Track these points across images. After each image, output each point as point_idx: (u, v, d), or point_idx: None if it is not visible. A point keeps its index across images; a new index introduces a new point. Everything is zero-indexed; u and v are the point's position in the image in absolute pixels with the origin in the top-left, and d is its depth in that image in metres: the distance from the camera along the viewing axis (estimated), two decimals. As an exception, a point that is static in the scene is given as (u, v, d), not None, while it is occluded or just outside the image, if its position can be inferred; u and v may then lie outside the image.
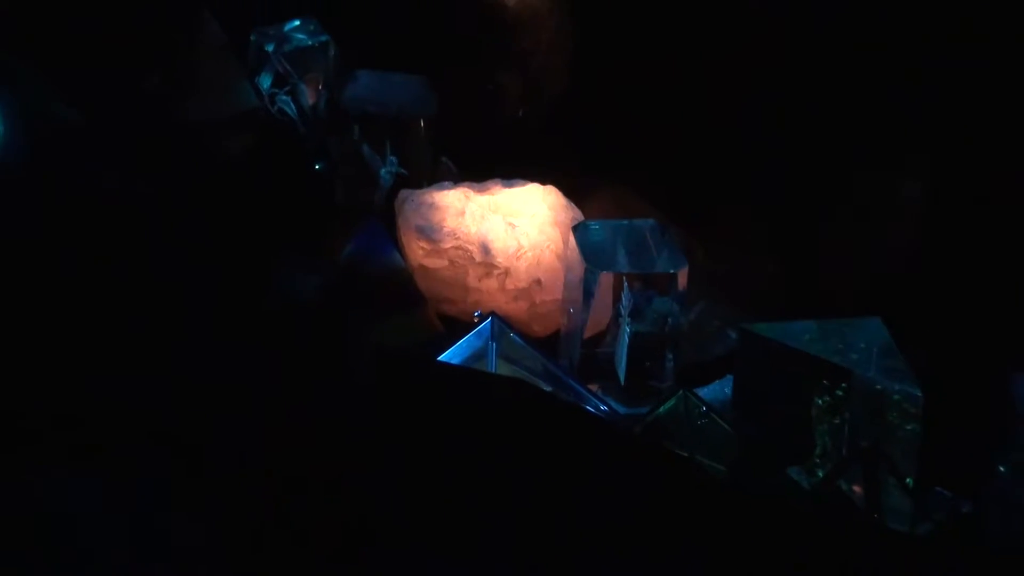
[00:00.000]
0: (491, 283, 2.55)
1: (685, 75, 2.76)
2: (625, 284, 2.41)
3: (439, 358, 2.36)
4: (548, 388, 2.34)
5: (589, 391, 2.39)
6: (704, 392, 2.36)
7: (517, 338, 2.43)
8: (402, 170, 2.72)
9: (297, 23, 2.78)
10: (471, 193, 2.61)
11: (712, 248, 2.60)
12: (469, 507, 1.91)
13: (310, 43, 2.76)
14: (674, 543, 1.92)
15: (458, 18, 2.79)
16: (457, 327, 2.47)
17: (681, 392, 2.32)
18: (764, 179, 2.63)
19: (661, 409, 2.30)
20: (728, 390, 2.37)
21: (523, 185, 2.64)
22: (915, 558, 1.99)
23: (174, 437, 1.98)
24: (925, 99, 2.53)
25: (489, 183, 2.65)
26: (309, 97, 2.74)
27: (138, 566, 1.74)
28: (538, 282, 2.54)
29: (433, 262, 2.56)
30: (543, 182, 2.66)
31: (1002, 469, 2.16)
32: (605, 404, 2.38)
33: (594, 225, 2.50)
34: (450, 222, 2.56)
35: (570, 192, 2.65)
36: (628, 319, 2.41)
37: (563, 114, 2.89)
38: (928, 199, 2.54)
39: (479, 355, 2.40)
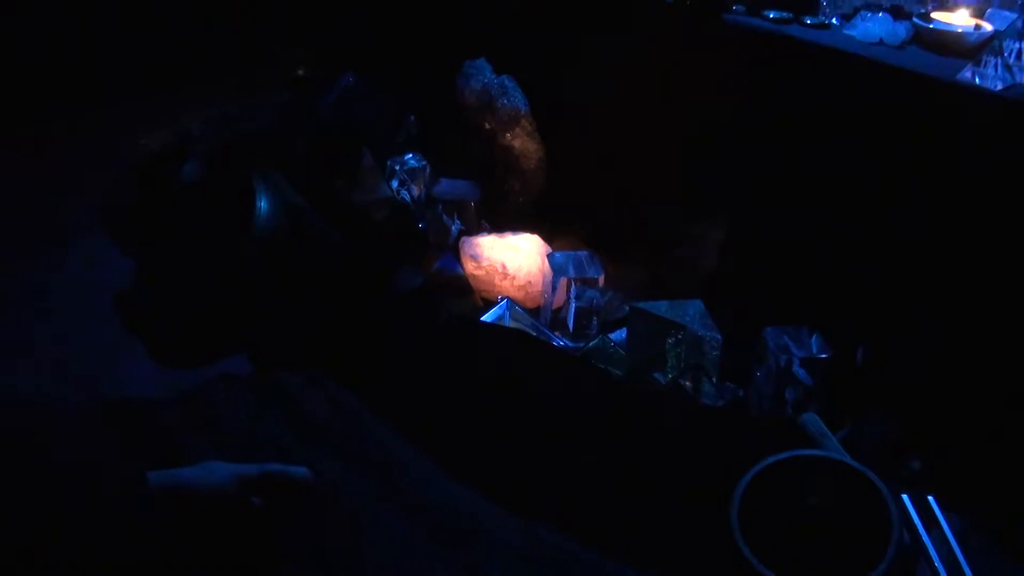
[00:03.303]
0: (506, 283, 2.55)
1: (608, 180, 2.70)
2: (572, 284, 2.43)
3: (481, 319, 2.39)
4: (534, 334, 2.33)
5: (554, 335, 2.42)
6: (613, 336, 2.36)
7: (519, 309, 2.46)
8: (462, 227, 2.71)
9: (410, 155, 2.76)
10: (496, 238, 2.62)
11: (617, 266, 2.55)
12: (496, 387, 1.98)
13: (416, 165, 2.74)
14: (593, 411, 1.98)
15: (492, 154, 2.76)
16: (490, 305, 2.48)
17: (600, 336, 2.35)
18: (643, 233, 2.61)
19: (590, 344, 2.32)
20: (624, 336, 2.33)
21: (522, 234, 2.64)
22: (715, 420, 2.06)
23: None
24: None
25: (506, 234, 2.64)
26: (416, 191, 2.72)
27: None
28: (530, 283, 2.55)
29: (477, 272, 2.57)
30: (532, 233, 2.66)
31: (758, 374, 2.19)
32: (562, 342, 2.39)
33: (557, 255, 2.50)
34: (485, 253, 2.57)
35: (546, 239, 2.64)
36: (574, 300, 2.43)
37: (541, 201, 2.84)
38: (729, 234, 2.47)
39: (501, 317, 2.42)
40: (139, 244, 2.40)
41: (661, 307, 2.21)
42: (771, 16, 2.35)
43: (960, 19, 2.29)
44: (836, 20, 2.35)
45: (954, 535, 1.72)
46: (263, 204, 2.28)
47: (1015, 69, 2.07)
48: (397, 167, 2.73)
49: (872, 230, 2.19)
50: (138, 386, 2.00)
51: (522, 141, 2.75)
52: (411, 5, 3.01)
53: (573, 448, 1.89)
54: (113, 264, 2.37)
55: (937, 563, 1.68)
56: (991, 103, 2.00)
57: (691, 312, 2.20)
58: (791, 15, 2.35)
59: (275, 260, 2.27)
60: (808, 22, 2.33)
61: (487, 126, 2.74)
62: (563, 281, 2.43)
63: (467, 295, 2.56)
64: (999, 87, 2.04)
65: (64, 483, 1.21)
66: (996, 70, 2.07)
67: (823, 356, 2.12)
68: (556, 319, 2.47)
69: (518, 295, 2.53)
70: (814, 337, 2.15)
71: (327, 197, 2.54)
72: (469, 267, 2.57)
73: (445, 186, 2.75)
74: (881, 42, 2.23)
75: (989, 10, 2.36)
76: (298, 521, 1.51)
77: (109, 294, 2.27)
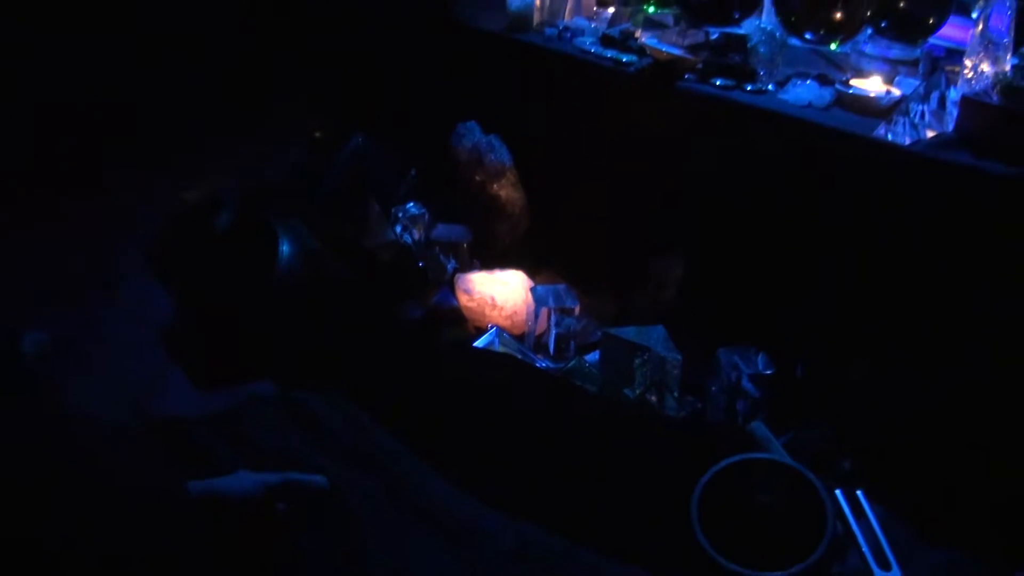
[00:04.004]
0: (495, 313, 2.54)
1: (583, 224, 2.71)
2: (552, 313, 2.43)
3: (474, 344, 2.39)
4: (520, 357, 2.35)
5: (537, 357, 2.41)
6: (588, 357, 2.36)
7: (507, 335, 2.45)
8: (456, 265, 2.70)
9: (412, 204, 2.76)
10: (486, 275, 2.60)
11: (591, 297, 2.53)
12: (488, 403, 1.97)
13: (416, 212, 2.73)
14: (568, 421, 1.97)
15: (481, 202, 2.75)
16: (482, 332, 2.46)
17: (577, 358, 2.35)
18: (613, 268, 2.61)
19: (569, 365, 2.32)
20: (598, 357, 2.33)
21: (508, 271, 2.63)
22: (677, 429, 2.06)
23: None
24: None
25: (494, 270, 2.62)
26: (416, 235, 2.71)
27: None
28: (516, 312, 2.54)
29: (470, 304, 2.56)
30: (516, 270, 2.64)
31: (713, 389, 2.20)
32: (544, 363, 2.39)
33: (539, 288, 2.50)
34: (477, 287, 2.55)
35: (528, 274, 2.62)
36: (554, 327, 2.43)
37: (524, 242, 2.82)
38: (686, 269, 2.47)
39: (491, 343, 2.41)
40: (180, 283, 2.42)
41: (629, 332, 2.22)
42: (718, 83, 2.37)
43: (874, 85, 2.33)
44: (772, 87, 2.37)
45: (879, 524, 1.75)
46: (285, 248, 2.30)
47: (920, 127, 2.11)
48: (400, 214, 2.73)
49: (807, 264, 2.22)
50: (180, 406, 2.00)
51: (507, 191, 2.76)
52: (413, 79, 3.02)
53: (556, 455, 1.89)
54: (159, 301, 2.39)
55: (864, 548, 1.71)
56: (901, 155, 2.04)
57: (655, 336, 2.20)
58: (734, 83, 2.37)
59: (295, 295, 2.28)
60: (749, 88, 2.35)
61: (477, 178, 2.75)
62: (544, 311, 2.44)
63: (461, 324, 2.55)
64: (907, 142, 2.08)
65: (115, 492, 1.21)
66: (904, 128, 2.11)
67: (768, 372, 2.13)
68: (539, 343, 2.47)
69: (505, 323, 2.52)
70: (760, 356, 2.16)
71: (340, 241, 2.56)
72: (463, 300, 2.57)
73: (441, 230, 2.75)
74: (810, 105, 2.26)
75: (897, 77, 2.40)
76: (315, 523, 1.51)
77: (155, 327, 2.29)
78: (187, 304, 2.35)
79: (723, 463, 1.77)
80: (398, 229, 2.71)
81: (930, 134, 2.08)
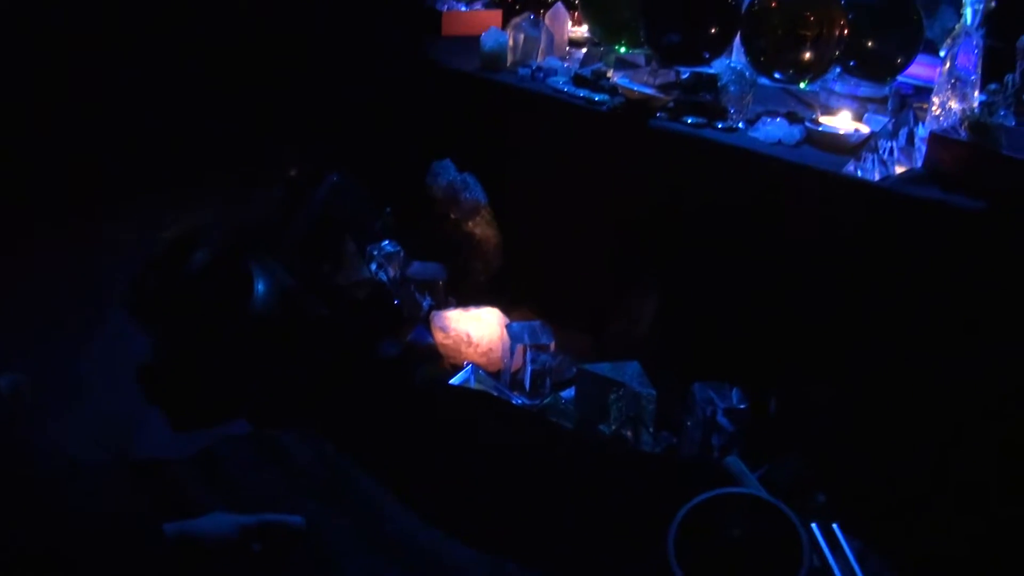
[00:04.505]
0: (471, 350, 2.54)
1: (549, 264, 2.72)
2: (528, 349, 2.43)
3: (450, 382, 2.38)
4: (496, 394, 2.34)
5: (513, 395, 2.41)
6: (563, 394, 2.36)
7: (482, 373, 2.45)
8: (432, 302, 2.71)
9: (387, 242, 2.76)
10: (462, 312, 2.61)
11: (566, 333, 2.53)
12: (463, 440, 1.97)
13: (392, 250, 2.74)
14: (546, 456, 1.97)
15: (456, 240, 2.78)
16: (458, 369, 2.46)
17: (553, 394, 2.36)
18: (587, 304, 2.62)
19: (545, 402, 2.33)
20: (573, 393, 2.34)
21: (484, 308, 2.63)
22: (652, 464, 2.07)
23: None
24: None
25: (470, 307, 2.63)
26: (392, 272, 2.71)
27: None
28: (491, 349, 2.55)
29: (446, 342, 2.56)
30: (492, 307, 2.65)
31: (688, 424, 2.19)
32: (520, 400, 2.39)
33: (514, 325, 2.50)
34: (452, 324, 2.55)
35: (504, 311, 2.63)
36: (529, 363, 2.43)
37: (499, 279, 2.84)
38: (659, 304, 2.49)
39: (467, 380, 2.40)
40: (157, 322, 2.41)
41: (604, 368, 2.23)
42: (689, 121, 2.40)
43: (843, 122, 2.37)
44: (742, 124, 2.41)
45: (855, 557, 1.75)
46: (260, 286, 2.31)
47: (889, 163, 2.14)
48: (376, 252, 2.74)
49: (780, 298, 2.23)
50: (156, 446, 1.99)
51: (482, 228, 2.78)
52: (388, 118, 3.04)
53: (532, 492, 1.89)
54: (137, 340, 2.38)
55: (841, 581, 1.71)
56: (870, 191, 2.06)
57: (629, 372, 2.22)
58: (705, 121, 2.40)
59: (271, 334, 2.28)
60: (719, 126, 2.39)
61: (452, 216, 2.77)
62: (520, 347, 2.44)
63: (437, 361, 2.54)
64: (876, 177, 2.11)
65: (90, 535, 1.20)
66: (873, 164, 2.14)
67: (742, 407, 2.14)
68: (515, 380, 2.47)
69: (481, 360, 2.53)
70: (734, 391, 2.17)
71: (316, 279, 2.56)
72: (439, 337, 2.57)
73: (417, 268, 2.76)
74: (780, 142, 2.29)
75: (866, 115, 2.44)
76: (290, 563, 1.50)
77: (133, 366, 2.28)
78: (164, 343, 2.34)
79: (699, 498, 1.76)
80: (373, 267, 2.72)
81: (899, 170, 2.12)
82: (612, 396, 2.18)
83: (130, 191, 2.98)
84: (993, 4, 2.43)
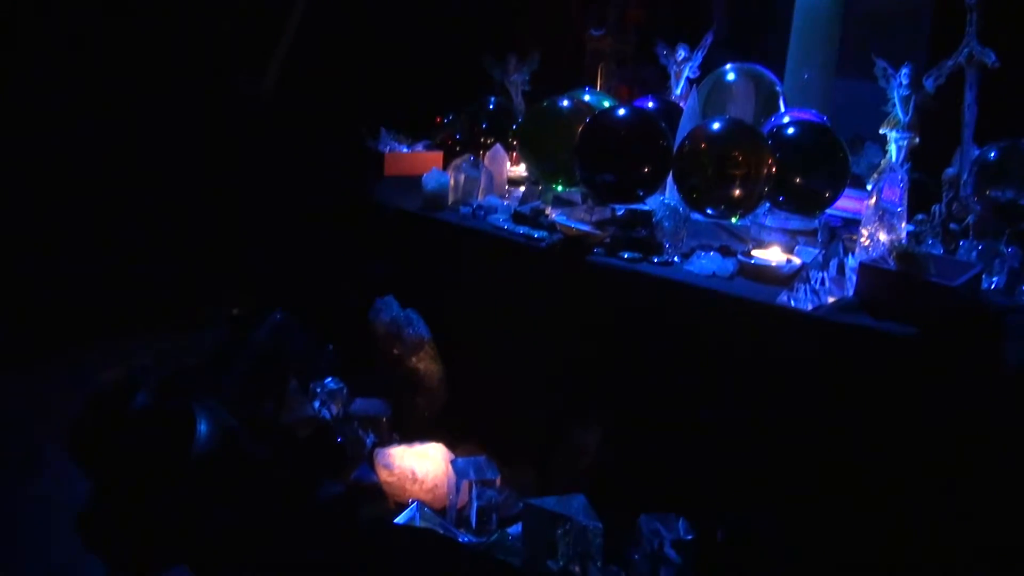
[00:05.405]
0: (416, 487, 2.51)
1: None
2: (474, 485, 2.42)
3: (395, 521, 2.35)
4: (442, 532, 2.32)
5: (460, 532, 2.37)
6: (510, 530, 2.34)
7: (428, 510, 2.41)
8: (376, 439, 2.68)
9: (330, 379, 2.74)
10: (406, 448, 2.59)
11: (511, 467, 2.53)
12: None
13: (335, 388, 2.73)
14: None
15: (400, 376, 2.76)
16: (403, 507, 2.43)
17: (499, 531, 2.34)
18: (532, 438, 2.61)
19: (492, 539, 2.31)
20: (520, 529, 2.30)
21: (429, 444, 2.62)
22: None
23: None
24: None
25: (414, 444, 2.61)
26: (335, 410, 2.69)
27: None
28: (436, 486, 2.52)
29: (390, 479, 2.53)
30: (437, 442, 2.63)
31: (636, 557, 2.18)
32: (467, 537, 2.36)
33: (459, 460, 2.49)
34: (397, 462, 2.53)
35: (449, 446, 2.62)
36: (475, 500, 2.41)
37: (443, 414, 2.82)
38: (604, 437, 2.48)
39: (412, 519, 2.36)
40: (98, 465, 2.36)
41: (550, 502, 2.21)
42: (625, 256, 2.47)
43: (775, 255, 2.45)
44: (677, 258, 2.48)
45: None
46: (202, 428, 2.28)
47: (821, 292, 2.22)
48: (319, 389, 2.73)
49: (721, 428, 2.26)
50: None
51: (426, 364, 2.79)
52: (331, 256, 3.09)
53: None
54: (77, 485, 2.33)
55: None
56: (804, 320, 2.13)
57: (575, 505, 2.20)
58: (641, 255, 2.48)
59: (212, 476, 2.24)
60: (655, 260, 2.46)
61: (395, 352, 2.77)
62: (465, 483, 2.43)
63: (382, 500, 2.51)
64: (809, 307, 2.18)
65: None
66: (806, 294, 2.22)
67: (689, 538, 2.14)
68: (461, 517, 2.45)
69: (427, 498, 2.50)
70: (680, 521, 2.17)
71: (259, 419, 2.53)
72: (383, 475, 2.54)
73: (360, 404, 2.74)
74: (714, 275, 2.37)
75: (797, 247, 2.54)
76: None
77: (72, 512, 2.23)
78: (104, 487, 2.29)
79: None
80: (316, 404, 2.70)
81: (831, 299, 2.20)
82: (559, 531, 2.16)
83: (70, 336, 2.98)
84: (917, 140, 2.61)
